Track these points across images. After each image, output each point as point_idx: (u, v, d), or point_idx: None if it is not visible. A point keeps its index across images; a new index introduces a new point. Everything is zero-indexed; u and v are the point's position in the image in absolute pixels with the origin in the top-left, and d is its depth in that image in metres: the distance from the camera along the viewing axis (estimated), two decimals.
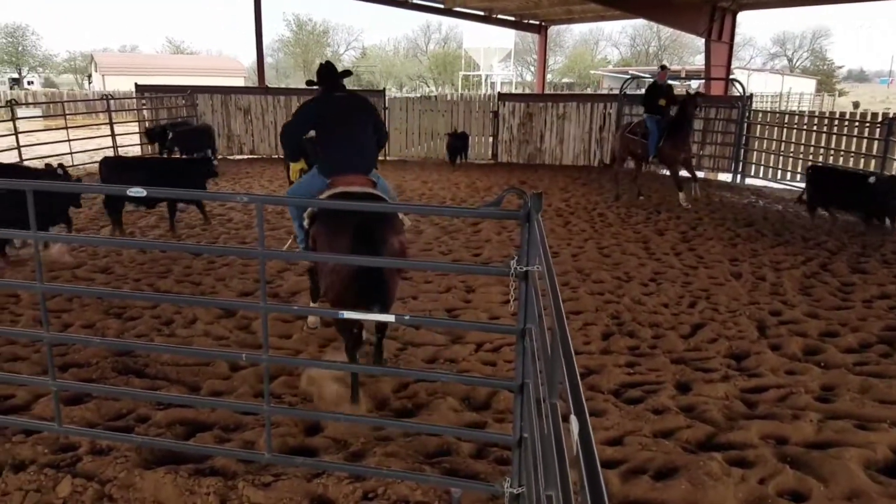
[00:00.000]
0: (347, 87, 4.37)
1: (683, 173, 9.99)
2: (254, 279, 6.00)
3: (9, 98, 15.47)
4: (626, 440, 3.37)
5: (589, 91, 45.13)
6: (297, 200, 4.32)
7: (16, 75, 57.29)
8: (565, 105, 14.69)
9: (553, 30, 27.78)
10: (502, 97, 15.50)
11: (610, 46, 69.19)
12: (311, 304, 4.98)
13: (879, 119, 11.16)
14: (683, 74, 40.45)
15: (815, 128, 12.47)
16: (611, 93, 23.30)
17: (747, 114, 12.75)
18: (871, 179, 8.10)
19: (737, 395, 3.91)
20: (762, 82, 41.54)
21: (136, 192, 2.65)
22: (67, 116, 14.57)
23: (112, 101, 12.95)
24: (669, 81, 10.27)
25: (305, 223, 3.95)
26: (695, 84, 32.21)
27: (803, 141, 12.20)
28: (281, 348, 4.53)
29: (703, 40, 17.36)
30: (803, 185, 10.06)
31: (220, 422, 3.52)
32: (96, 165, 9.29)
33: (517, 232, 6.93)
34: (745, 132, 12.70)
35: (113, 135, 12.66)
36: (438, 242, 7.52)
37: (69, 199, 6.81)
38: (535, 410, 2.12)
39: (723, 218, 9.08)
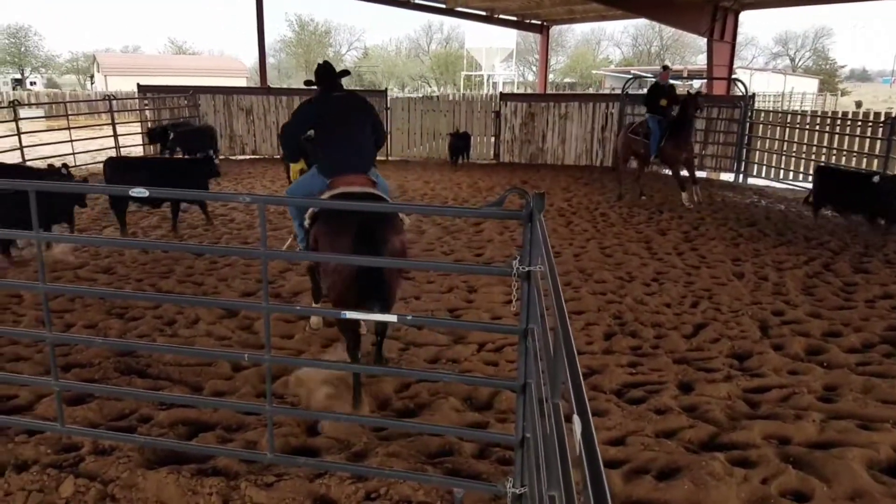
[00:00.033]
0: (348, 87, 4.37)
1: (684, 173, 9.98)
2: (256, 279, 6.01)
3: (11, 99, 15.47)
4: (628, 440, 3.37)
5: (591, 91, 45.14)
6: (300, 201, 4.31)
7: (18, 76, 57.40)
8: (567, 105, 14.67)
9: (555, 30, 27.69)
10: (504, 97, 15.48)
11: (612, 46, 69.23)
12: (314, 305, 4.98)
13: (882, 119, 11.14)
14: (685, 74, 40.35)
15: (817, 127, 12.45)
16: (613, 93, 23.25)
17: (749, 113, 12.72)
18: (875, 179, 8.07)
19: (739, 395, 3.91)
20: (764, 82, 41.45)
21: (139, 192, 2.65)
22: (70, 117, 14.56)
23: (114, 102, 12.95)
24: (672, 81, 10.26)
25: (306, 223, 3.95)
26: (697, 84, 32.17)
27: (805, 141, 12.18)
28: (283, 348, 4.54)
29: (705, 40, 17.28)
30: (806, 185, 10.03)
31: (223, 422, 3.53)
32: (99, 166, 9.34)
33: (519, 232, 6.91)
34: (747, 132, 12.67)
35: (115, 135, 12.69)
36: (440, 242, 7.52)
37: (73, 199, 6.85)
38: (538, 410, 2.12)
39: (725, 218, 9.07)
